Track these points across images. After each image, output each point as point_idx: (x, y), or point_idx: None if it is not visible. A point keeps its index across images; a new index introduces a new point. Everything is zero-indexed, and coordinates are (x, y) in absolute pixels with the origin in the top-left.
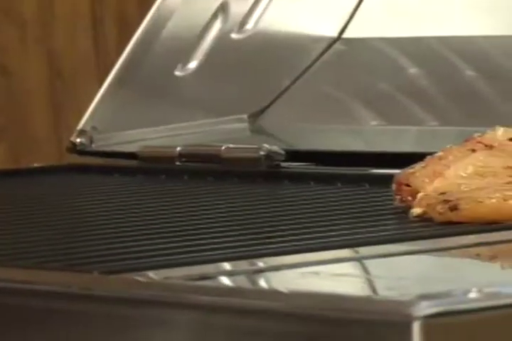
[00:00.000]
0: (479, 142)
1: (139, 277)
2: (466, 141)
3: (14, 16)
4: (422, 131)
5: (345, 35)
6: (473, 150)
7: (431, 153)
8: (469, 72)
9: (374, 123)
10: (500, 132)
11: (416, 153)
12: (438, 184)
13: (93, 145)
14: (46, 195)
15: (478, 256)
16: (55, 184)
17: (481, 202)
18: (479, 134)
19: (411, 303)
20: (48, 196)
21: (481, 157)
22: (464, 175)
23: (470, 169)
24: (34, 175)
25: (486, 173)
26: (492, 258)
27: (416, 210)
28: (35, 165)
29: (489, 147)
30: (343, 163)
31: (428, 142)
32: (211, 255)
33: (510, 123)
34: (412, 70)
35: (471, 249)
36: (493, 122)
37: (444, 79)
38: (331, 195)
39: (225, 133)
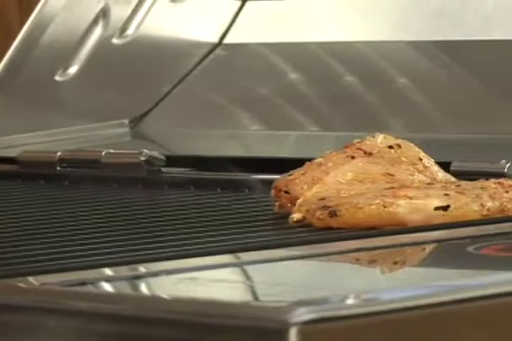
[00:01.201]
0: (359, 149)
1: (16, 282)
2: (346, 147)
3: None
4: (302, 136)
5: (226, 41)
6: (353, 157)
7: (310, 159)
8: (349, 78)
9: (254, 128)
10: (380, 139)
11: (296, 158)
12: (317, 190)
13: None
14: None
15: (357, 262)
16: None
17: (360, 208)
18: (359, 140)
19: (288, 309)
20: None
21: (360, 163)
22: (343, 181)
23: (349, 175)
24: None
25: (365, 180)
26: (371, 263)
27: (295, 216)
28: None
29: (368, 154)
30: (224, 169)
31: (308, 147)
32: (90, 260)
33: (389, 128)
34: (293, 75)
35: (350, 255)
36: (372, 128)
37: (324, 85)
38: (211, 201)
39: (105, 138)
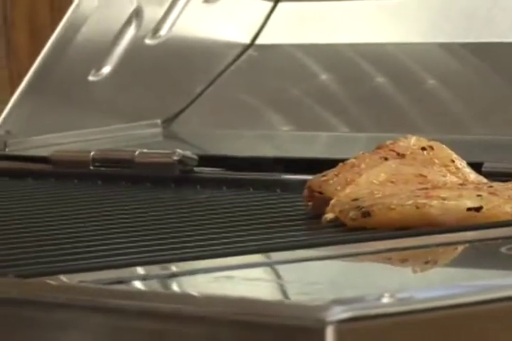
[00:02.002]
0: (392, 150)
1: (53, 281)
2: (379, 148)
3: None
4: (332, 136)
5: (258, 42)
6: (386, 159)
7: (342, 160)
8: (380, 79)
9: (286, 128)
10: (413, 141)
11: (327, 159)
12: (350, 190)
13: (6, 150)
14: None
15: (389, 262)
16: None
17: (393, 208)
18: (391, 141)
19: (324, 308)
20: None
21: (393, 165)
22: (376, 182)
23: (382, 176)
24: None
25: (397, 181)
26: (403, 263)
27: (328, 215)
28: None
29: (401, 156)
30: (256, 169)
31: (339, 148)
32: (125, 259)
33: (420, 129)
34: (324, 76)
35: (383, 255)
36: (403, 128)
37: (355, 86)
38: (243, 201)
39: (138, 138)
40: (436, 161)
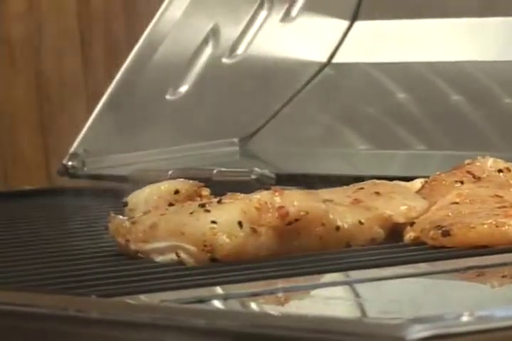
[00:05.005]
0: (468, 172)
1: (135, 300)
2: (455, 168)
3: (2, 38)
4: (409, 155)
5: (334, 60)
6: (462, 182)
7: (418, 177)
8: (456, 97)
9: (362, 147)
10: (490, 162)
11: (403, 177)
12: (431, 210)
13: (85, 169)
14: (40, 217)
15: (469, 279)
16: (48, 206)
17: (473, 227)
18: (469, 161)
19: (404, 326)
20: (41, 218)
21: (466, 190)
22: (454, 202)
23: (460, 197)
24: (27, 197)
25: (474, 201)
26: (482, 281)
27: (410, 235)
28: (27, 187)
29: (477, 179)
30: (332, 187)
31: (415, 166)
32: (203, 279)
33: (496, 147)
34: (400, 95)
35: (462, 273)
36: (479, 146)
37: (431, 104)
38: None
39: (215, 156)
40: None
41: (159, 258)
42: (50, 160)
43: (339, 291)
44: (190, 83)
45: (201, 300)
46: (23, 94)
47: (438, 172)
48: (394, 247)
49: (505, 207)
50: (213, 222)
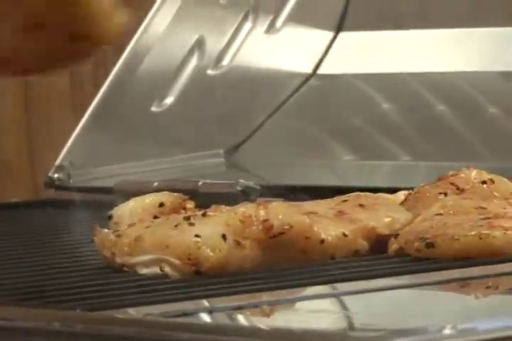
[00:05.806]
0: (452, 183)
1: (119, 314)
2: (439, 179)
3: None
4: (394, 165)
5: (319, 71)
6: (445, 194)
7: (403, 189)
8: (441, 107)
9: (348, 158)
10: (474, 174)
11: (388, 188)
12: (414, 223)
13: (71, 181)
14: (26, 230)
15: (453, 291)
16: (33, 218)
17: (457, 239)
18: (453, 172)
19: (387, 339)
20: (27, 231)
21: (450, 202)
22: (437, 213)
23: (443, 209)
24: (13, 210)
25: (458, 212)
26: (467, 293)
27: (394, 246)
28: (13, 200)
29: (461, 190)
30: (318, 198)
31: (400, 177)
32: (188, 292)
33: (481, 158)
34: (386, 106)
35: (446, 285)
36: (464, 157)
37: (416, 115)
38: None
39: (201, 168)
40: (497, 194)
41: (144, 271)
42: (36, 172)
43: (323, 304)
44: (175, 95)
45: (186, 314)
46: (10, 106)
47: (422, 184)
48: (378, 259)
49: (488, 218)
50: (197, 236)
